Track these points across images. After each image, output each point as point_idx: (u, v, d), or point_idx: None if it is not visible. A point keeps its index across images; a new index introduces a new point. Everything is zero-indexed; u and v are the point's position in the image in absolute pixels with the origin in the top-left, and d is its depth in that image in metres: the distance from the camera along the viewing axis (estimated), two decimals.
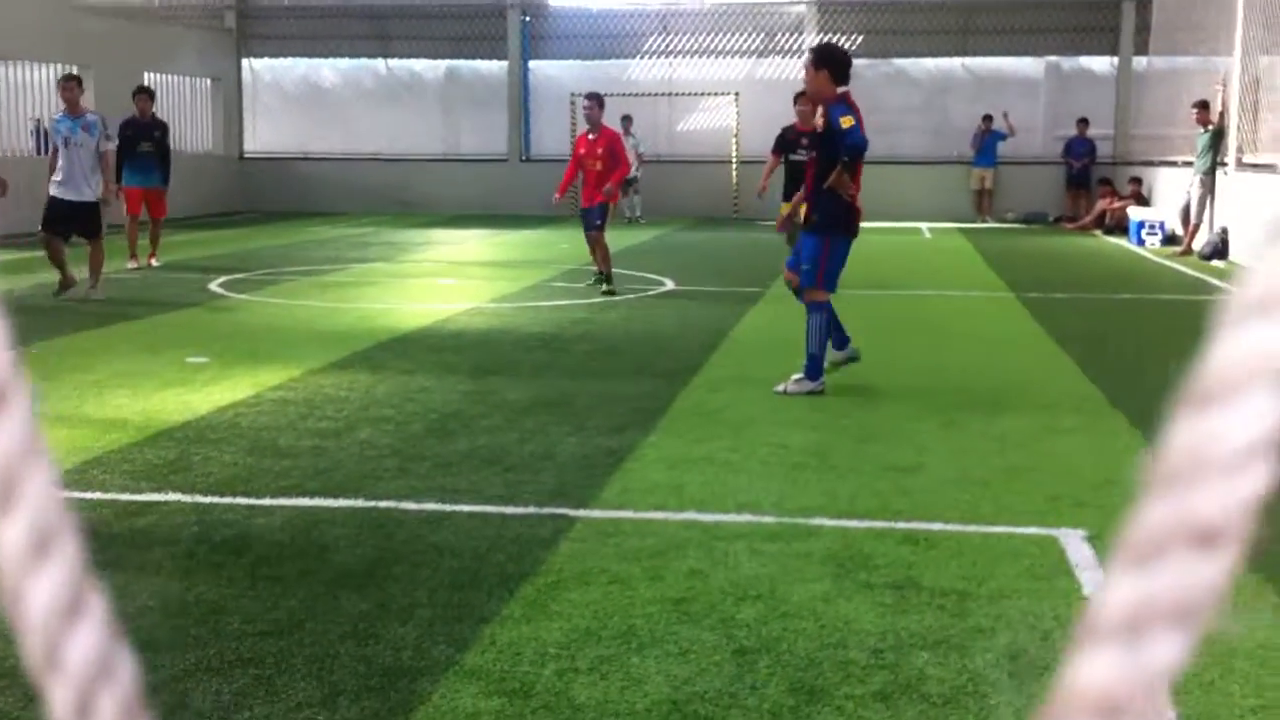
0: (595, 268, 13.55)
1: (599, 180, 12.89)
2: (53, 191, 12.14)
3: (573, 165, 13.32)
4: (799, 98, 13.75)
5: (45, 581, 0.42)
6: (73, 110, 12.31)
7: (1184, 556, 0.42)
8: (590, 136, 13.18)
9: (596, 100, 13.31)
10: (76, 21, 23.05)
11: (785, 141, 14.16)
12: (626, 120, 24.73)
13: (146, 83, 23.06)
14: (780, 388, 8.11)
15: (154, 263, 15.23)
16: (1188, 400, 0.44)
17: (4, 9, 21.93)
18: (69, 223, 12.11)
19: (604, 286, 13.12)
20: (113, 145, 12.93)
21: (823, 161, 8.03)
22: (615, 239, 20.16)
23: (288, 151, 28.29)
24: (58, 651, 0.41)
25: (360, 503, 5.62)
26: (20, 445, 0.42)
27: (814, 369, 8.14)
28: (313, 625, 4.23)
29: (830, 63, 8.03)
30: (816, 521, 5.38)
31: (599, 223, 13.01)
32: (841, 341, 8.41)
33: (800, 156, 13.61)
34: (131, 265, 14.87)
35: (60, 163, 12.13)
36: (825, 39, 26.63)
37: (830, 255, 8.09)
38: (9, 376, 0.43)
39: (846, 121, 7.85)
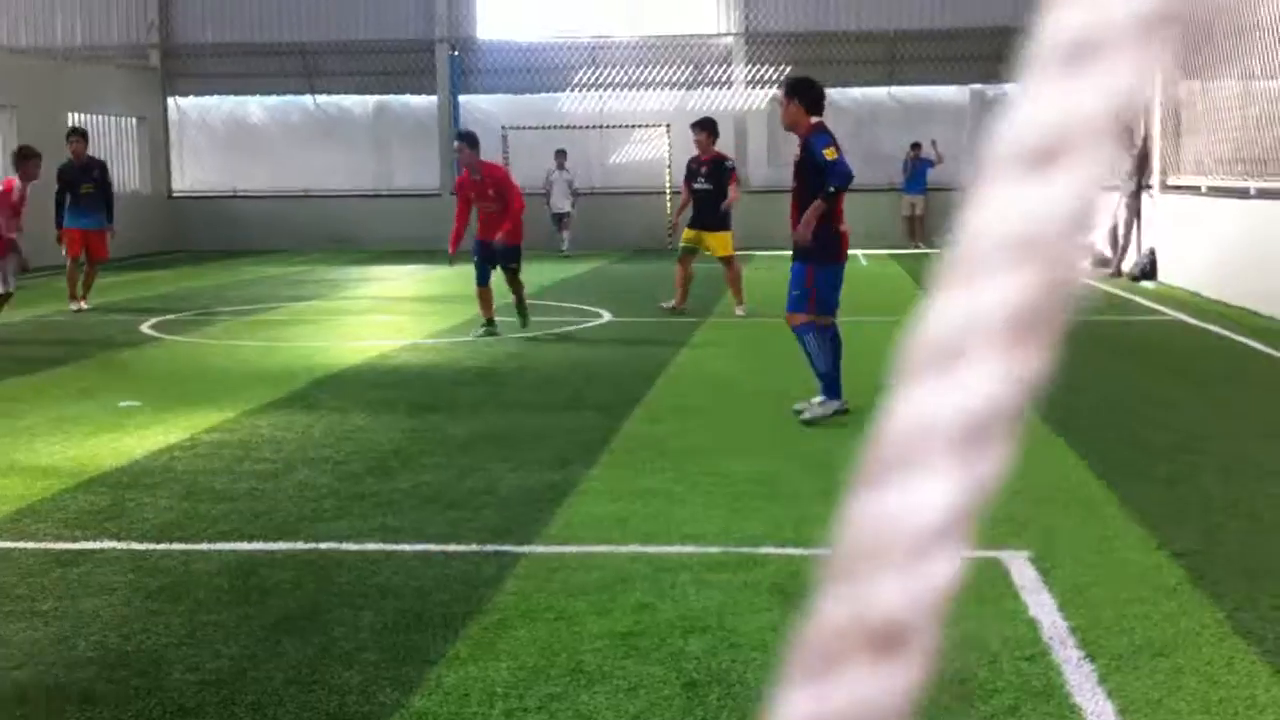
0: (485, 315, 12.38)
1: (498, 220, 12.03)
2: None
3: (462, 211, 12.34)
4: (694, 127, 14.12)
5: None
6: None
7: (863, 664, 0.35)
8: (474, 178, 12.16)
9: (466, 140, 12.28)
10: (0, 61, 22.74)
11: (689, 171, 14.39)
12: (560, 154, 24.81)
13: (72, 123, 22.77)
14: (801, 410, 8.04)
15: (85, 305, 14.96)
16: (862, 474, 0.35)
17: None
18: None
19: (521, 325, 12.46)
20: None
21: (804, 191, 8.05)
22: (549, 272, 20.15)
23: (217, 190, 28.01)
24: None
25: (300, 545, 5.53)
26: None
27: (831, 388, 8.05)
28: (255, 673, 4.15)
29: (802, 92, 8.14)
30: (763, 550, 5.38)
31: (511, 264, 12.24)
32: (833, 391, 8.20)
33: (701, 185, 14.07)
34: (73, 307, 14.62)
35: None
36: (753, 70, 26.90)
37: (818, 282, 8.04)
38: None
39: (830, 153, 7.94)
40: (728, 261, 14.30)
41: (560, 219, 24.66)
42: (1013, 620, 4.55)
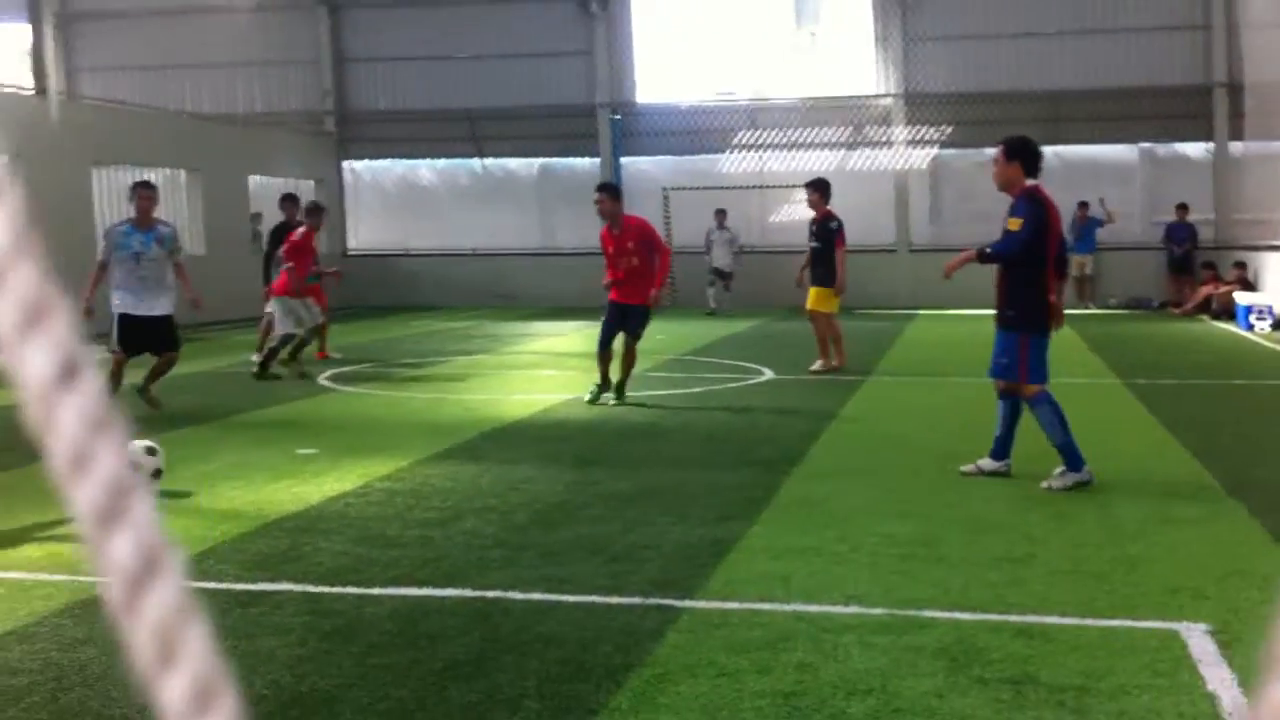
0: (598, 381, 11.89)
1: (640, 275, 11.52)
2: (123, 309, 11.07)
3: (611, 260, 11.80)
4: (806, 188, 14.43)
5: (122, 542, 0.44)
6: (144, 221, 11.21)
7: None
8: (614, 232, 11.58)
9: (607, 191, 11.77)
10: (185, 128, 23.93)
11: (809, 231, 14.95)
12: (720, 214, 24.98)
13: (252, 185, 23.74)
14: (1045, 485, 7.72)
15: (332, 354, 15.99)
16: None
17: (120, 117, 22.83)
18: (146, 339, 11.18)
19: (613, 399, 11.74)
20: (182, 257, 11.61)
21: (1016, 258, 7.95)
22: (709, 329, 20.25)
23: (389, 248, 28.91)
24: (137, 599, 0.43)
25: (468, 592, 5.64)
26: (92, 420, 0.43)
27: (1071, 459, 7.73)
28: (422, 715, 4.24)
29: (1022, 154, 8.06)
30: (928, 614, 5.29)
31: (638, 330, 11.78)
32: (1002, 452, 8.13)
33: (812, 244, 14.81)
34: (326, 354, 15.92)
35: (123, 277, 11.05)
36: (913, 130, 26.72)
37: (1029, 351, 7.88)
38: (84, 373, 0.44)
39: (1014, 224, 7.90)
40: (813, 317, 14.67)
41: (721, 276, 24.86)
42: (1189, 694, 4.39)
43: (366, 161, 29.23)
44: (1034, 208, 7.88)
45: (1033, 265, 7.87)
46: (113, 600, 0.42)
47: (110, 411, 0.42)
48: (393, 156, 29.15)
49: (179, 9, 28.37)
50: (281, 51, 28.76)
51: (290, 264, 13.87)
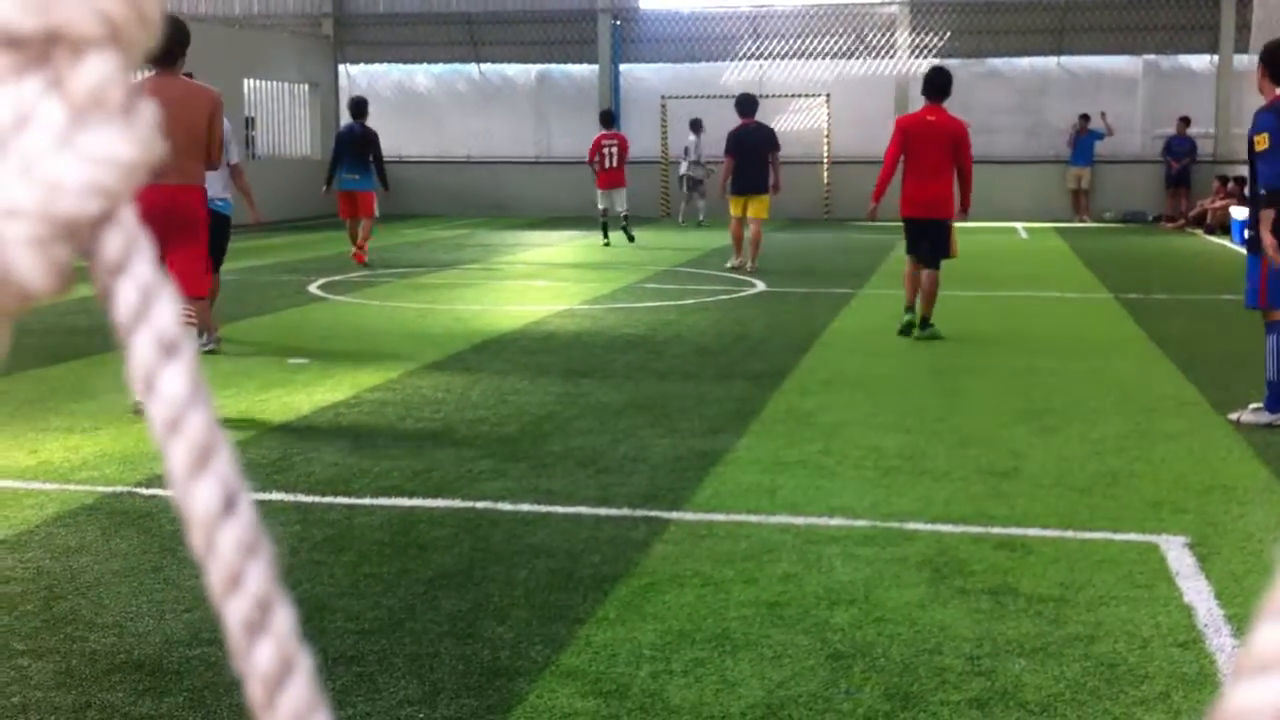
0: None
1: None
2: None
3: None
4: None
5: (230, 531, 0.48)
6: None
7: None
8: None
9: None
10: None
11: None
12: (696, 123, 24.36)
13: (245, 89, 23.58)
14: (1234, 416, 7.21)
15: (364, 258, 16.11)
16: None
17: None
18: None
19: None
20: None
21: (1252, 171, 7.19)
22: (703, 240, 20.20)
23: (385, 155, 28.67)
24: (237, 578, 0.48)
25: (458, 503, 5.71)
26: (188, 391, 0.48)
27: (1273, 400, 7.12)
28: (412, 624, 4.32)
29: (1271, 61, 7.18)
30: (911, 526, 5.36)
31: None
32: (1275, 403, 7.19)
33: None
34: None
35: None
36: (917, 38, 26.43)
37: (1272, 275, 7.06)
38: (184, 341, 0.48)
39: (1261, 141, 6.97)
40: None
41: (694, 185, 24.29)
42: (1166, 605, 4.47)
43: (363, 65, 28.90)
44: (1269, 118, 7.00)
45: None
46: (255, 701, 0.48)
47: (260, 535, 0.48)
48: (390, 61, 28.82)
49: None
50: None
51: None
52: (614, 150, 19.39)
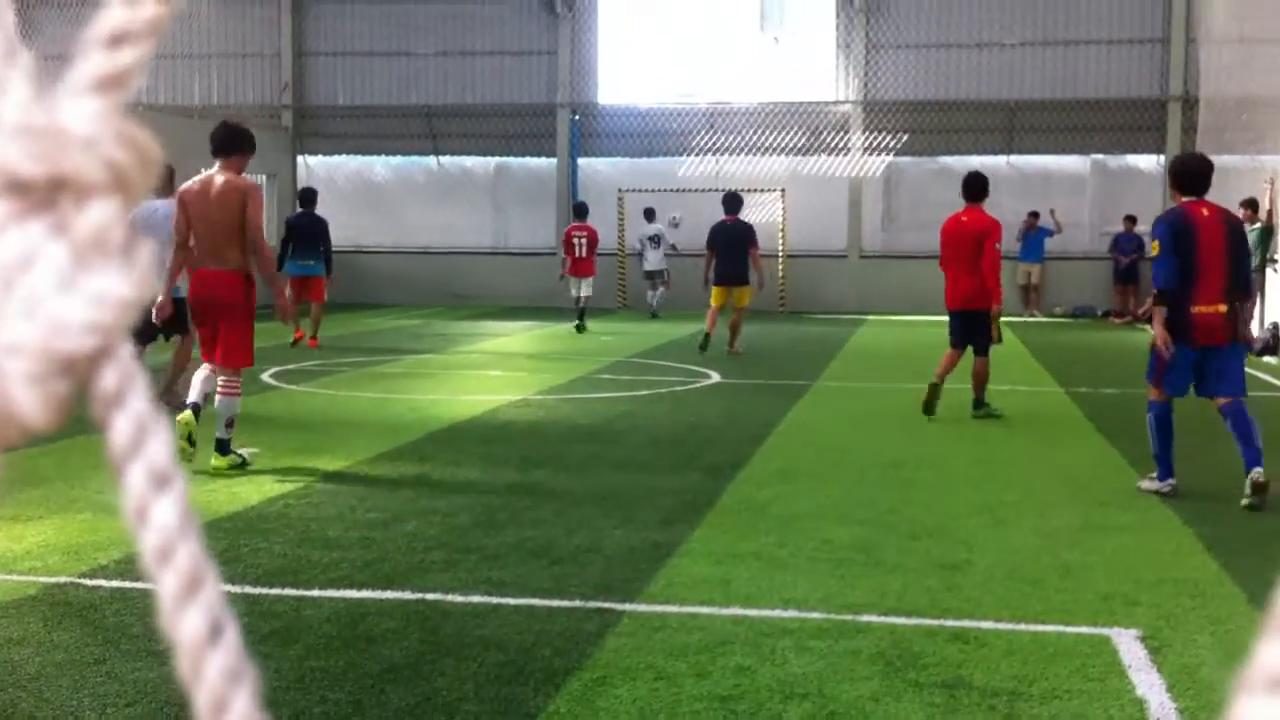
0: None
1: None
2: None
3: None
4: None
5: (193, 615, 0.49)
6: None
7: None
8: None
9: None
10: (139, 119, 23.65)
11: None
12: (649, 213, 24.54)
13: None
14: (1139, 484, 8.09)
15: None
16: None
17: None
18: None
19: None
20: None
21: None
22: (659, 332, 20.29)
23: (341, 245, 28.61)
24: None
25: (408, 595, 5.64)
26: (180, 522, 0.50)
27: (1163, 470, 7.94)
28: (360, 719, 4.24)
29: (1173, 173, 8.17)
30: (865, 618, 5.34)
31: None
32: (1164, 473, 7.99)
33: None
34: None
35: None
36: (870, 137, 26.91)
37: (1153, 358, 7.98)
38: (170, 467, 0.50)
39: (1154, 248, 7.86)
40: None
41: (651, 276, 24.41)
42: (1119, 699, 4.46)
43: (322, 157, 29.06)
44: (1171, 227, 7.80)
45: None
46: None
47: (245, 663, 0.51)
48: (349, 153, 29.01)
49: None
50: (241, 44, 28.58)
51: None
52: (583, 241, 20.44)
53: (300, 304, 16.30)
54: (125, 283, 0.47)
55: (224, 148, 8.39)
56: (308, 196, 17.59)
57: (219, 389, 8.52)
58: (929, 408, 10.98)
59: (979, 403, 11.23)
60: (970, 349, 11.16)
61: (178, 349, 10.92)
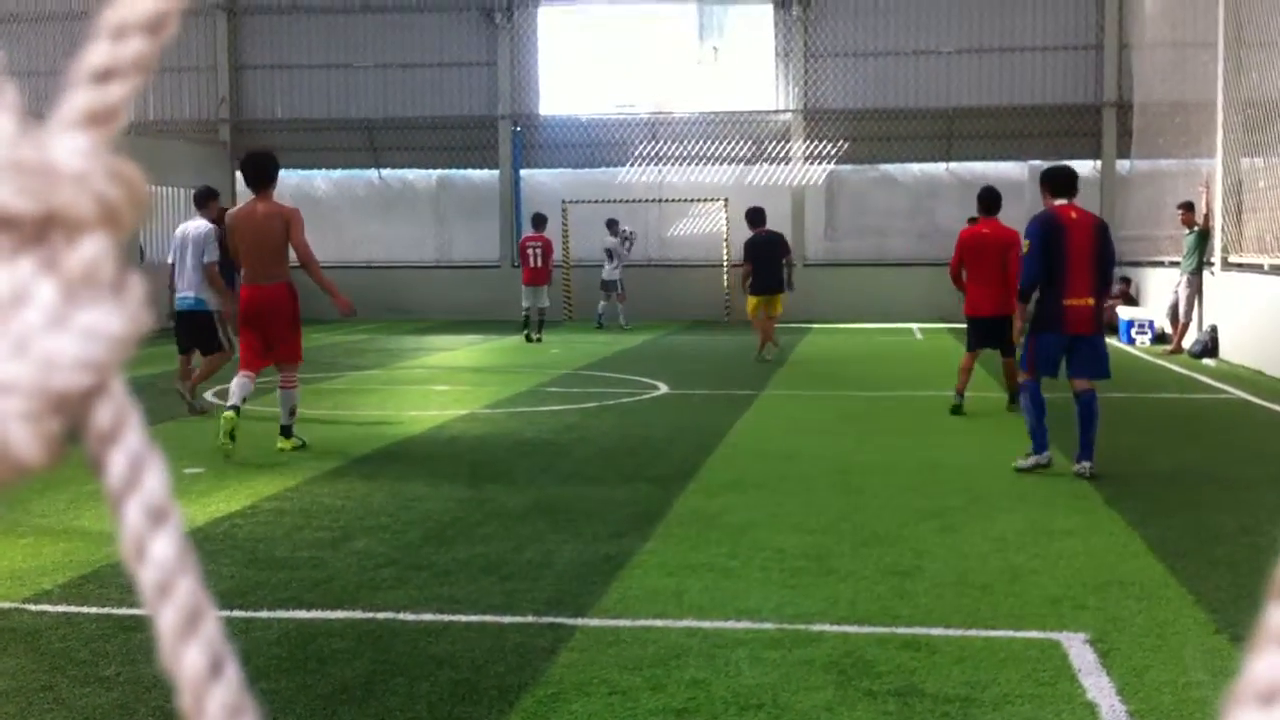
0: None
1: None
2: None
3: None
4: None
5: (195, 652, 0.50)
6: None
7: None
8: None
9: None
10: None
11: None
12: (612, 223, 24.59)
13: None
14: (1016, 464, 8.93)
15: None
16: None
17: None
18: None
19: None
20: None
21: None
22: (607, 343, 20.30)
23: None
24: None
25: (358, 614, 5.59)
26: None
27: (1037, 445, 8.85)
28: None
29: (1044, 179, 9.22)
30: (817, 627, 5.36)
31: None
32: (1038, 447, 8.90)
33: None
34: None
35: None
36: (811, 145, 27.10)
37: (1032, 346, 8.86)
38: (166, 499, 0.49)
39: (1025, 246, 8.87)
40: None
41: (605, 288, 24.42)
42: (1070, 703, 4.50)
43: None
44: (1043, 228, 8.76)
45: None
46: None
47: (245, 698, 0.50)
48: (288, 167, 28.63)
49: (69, 13, 27.76)
50: (175, 57, 28.25)
51: None
52: (538, 250, 21.05)
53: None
54: (118, 318, 0.47)
55: (261, 180, 9.78)
56: (222, 214, 18.02)
57: (281, 384, 10.05)
58: (957, 411, 11.91)
59: (1015, 397, 11.68)
60: (981, 352, 12.06)
61: (210, 359, 12.11)
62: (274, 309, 9.69)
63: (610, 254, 24.08)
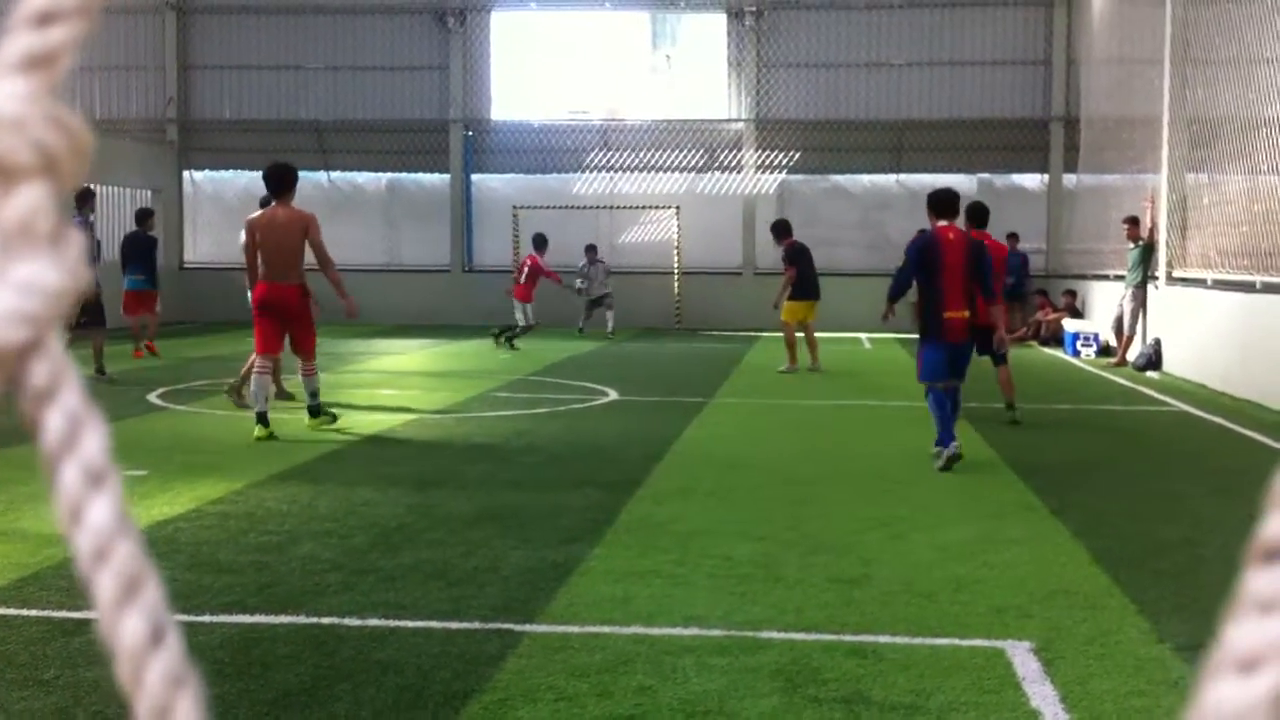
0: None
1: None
2: None
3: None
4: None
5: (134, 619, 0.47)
6: None
7: None
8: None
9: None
10: None
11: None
12: (591, 249, 24.66)
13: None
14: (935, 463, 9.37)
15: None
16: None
17: None
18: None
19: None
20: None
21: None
22: (558, 350, 20.25)
23: (228, 262, 28.19)
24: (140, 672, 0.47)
25: (303, 619, 5.52)
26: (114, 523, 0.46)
27: (943, 437, 9.35)
28: None
29: (929, 201, 9.86)
30: (765, 635, 5.36)
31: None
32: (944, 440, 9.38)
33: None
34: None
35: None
36: (763, 155, 27.21)
37: (920, 356, 9.70)
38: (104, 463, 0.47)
39: (903, 261, 9.84)
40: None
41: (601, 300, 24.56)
42: (1014, 711, 4.53)
43: (208, 172, 28.53)
44: (922, 245, 9.62)
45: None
46: None
47: (188, 668, 0.48)
48: (236, 168, 28.50)
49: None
50: (123, 55, 27.92)
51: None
52: (527, 269, 21.59)
53: (138, 316, 18.21)
54: (55, 272, 0.44)
55: (280, 188, 10.69)
56: (143, 216, 18.90)
57: (301, 371, 11.10)
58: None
59: (1011, 405, 12.13)
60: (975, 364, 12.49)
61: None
62: (291, 307, 10.69)
63: (586, 276, 24.28)
